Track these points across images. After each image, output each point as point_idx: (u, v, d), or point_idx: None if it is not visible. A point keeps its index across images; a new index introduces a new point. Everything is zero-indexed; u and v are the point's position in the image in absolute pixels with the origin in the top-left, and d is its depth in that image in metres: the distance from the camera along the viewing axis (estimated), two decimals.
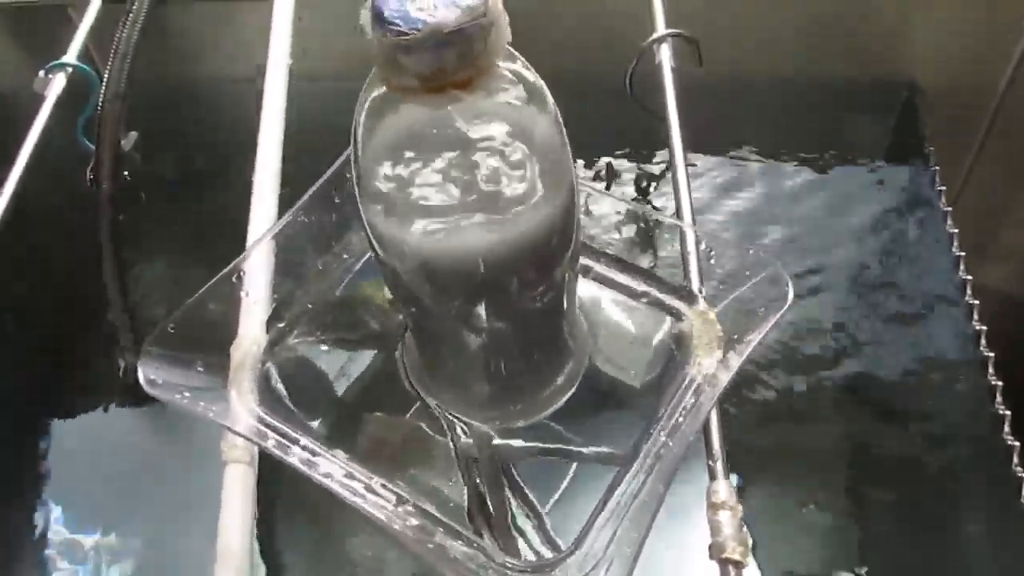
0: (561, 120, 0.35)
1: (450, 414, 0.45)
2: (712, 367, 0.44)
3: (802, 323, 0.64)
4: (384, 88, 0.33)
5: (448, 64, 0.30)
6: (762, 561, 0.53)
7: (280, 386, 0.45)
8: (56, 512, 0.55)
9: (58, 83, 0.66)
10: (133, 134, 0.71)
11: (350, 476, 0.41)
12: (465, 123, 0.32)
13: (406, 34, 0.29)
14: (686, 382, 0.44)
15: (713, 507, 0.43)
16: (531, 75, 0.34)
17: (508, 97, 0.33)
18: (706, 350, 0.45)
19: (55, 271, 0.70)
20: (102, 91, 0.68)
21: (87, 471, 0.57)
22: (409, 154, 0.33)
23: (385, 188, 0.34)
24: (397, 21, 0.30)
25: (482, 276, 0.35)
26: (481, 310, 0.38)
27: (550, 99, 0.34)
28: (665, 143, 0.60)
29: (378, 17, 0.30)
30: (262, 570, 0.50)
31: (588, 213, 0.52)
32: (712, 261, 0.48)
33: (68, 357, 0.63)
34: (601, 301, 0.49)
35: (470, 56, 0.31)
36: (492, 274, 0.35)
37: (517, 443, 0.46)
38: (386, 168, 0.34)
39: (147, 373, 0.43)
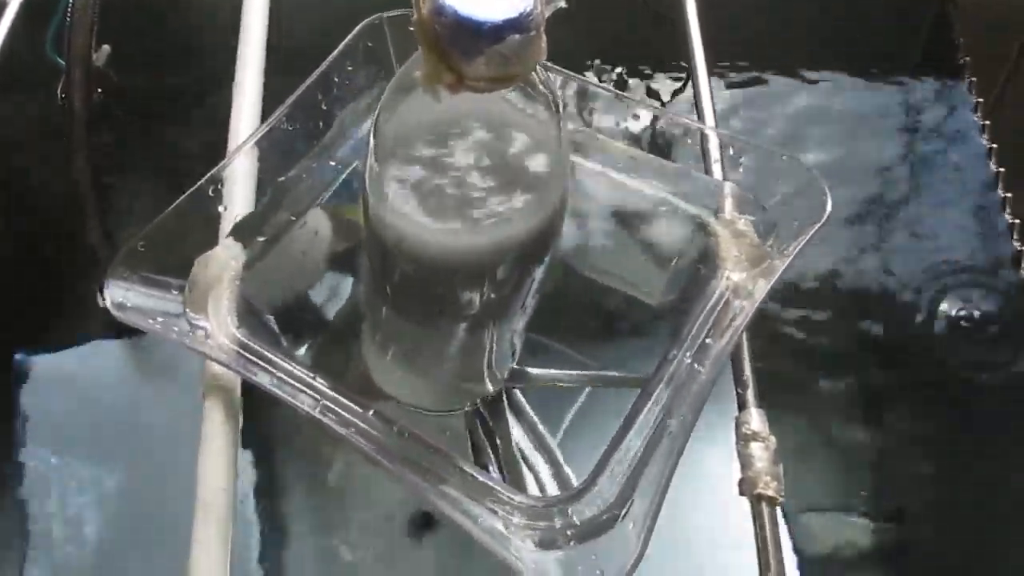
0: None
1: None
2: (744, 283, 0.40)
3: (829, 243, 0.60)
4: (417, 82, 0.31)
5: (513, 56, 0.29)
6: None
7: (261, 307, 0.41)
8: (31, 447, 0.51)
9: None
10: (106, 48, 0.66)
11: (339, 404, 0.37)
12: (496, 119, 0.33)
13: (481, 23, 0.28)
14: (713, 300, 0.40)
15: (744, 439, 0.39)
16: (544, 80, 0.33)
17: (531, 99, 0.33)
18: (736, 264, 0.40)
19: (26, 195, 0.66)
20: (71, 1, 0.63)
21: (64, 403, 0.54)
22: (430, 148, 0.33)
23: (402, 179, 0.33)
24: (473, 11, 0.28)
25: (478, 268, 0.35)
26: (463, 295, 0.37)
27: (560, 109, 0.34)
28: (682, 54, 0.56)
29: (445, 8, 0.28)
30: (249, 506, 0.46)
31: (598, 120, 0.47)
32: (740, 169, 0.43)
33: (42, 284, 0.59)
34: (614, 212, 0.45)
35: (531, 50, 0.29)
36: (488, 266, 0.35)
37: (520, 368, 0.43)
38: (404, 159, 0.33)
39: (114, 296, 0.39)
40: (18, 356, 0.56)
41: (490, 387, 0.43)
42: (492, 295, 0.37)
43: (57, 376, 0.55)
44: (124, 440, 0.50)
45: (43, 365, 0.56)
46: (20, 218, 0.64)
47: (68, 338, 0.56)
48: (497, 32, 0.28)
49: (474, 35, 0.28)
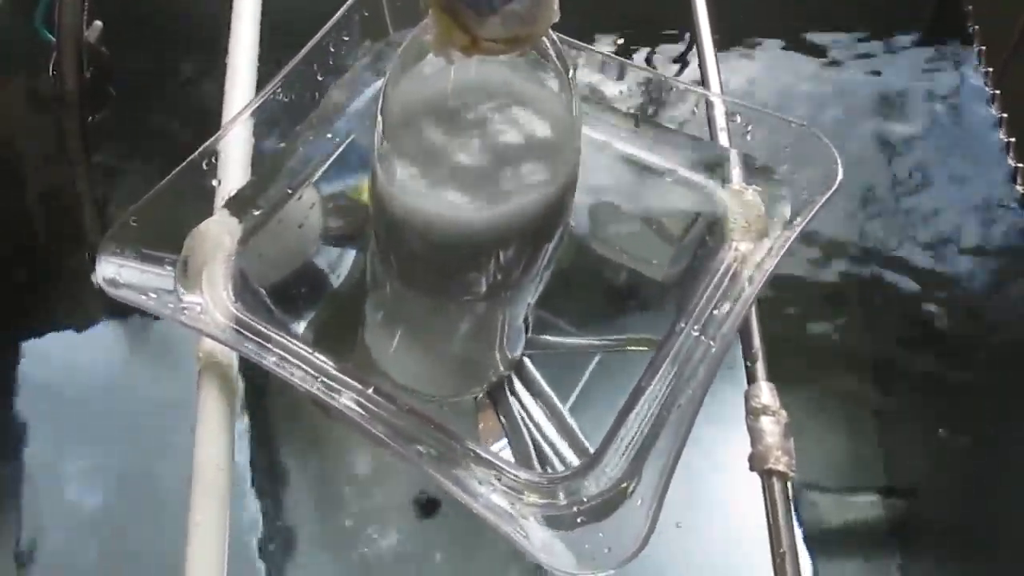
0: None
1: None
2: (752, 254, 0.39)
3: (838, 213, 0.59)
4: (423, 48, 0.31)
5: (528, 14, 0.28)
6: None
7: (258, 282, 0.40)
8: (27, 426, 0.51)
9: None
10: (97, 24, 0.65)
11: (339, 381, 0.36)
12: (506, 89, 0.32)
13: None
14: (721, 271, 0.39)
15: (754, 412, 0.38)
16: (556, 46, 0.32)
17: (542, 66, 0.32)
18: (744, 234, 0.39)
19: (18, 173, 0.65)
20: None
21: (62, 380, 0.53)
22: (440, 120, 0.32)
23: (411, 152, 0.33)
24: None
25: (487, 241, 0.34)
26: (474, 272, 0.36)
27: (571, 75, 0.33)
28: (686, 24, 0.54)
29: None
30: (246, 483, 0.46)
31: (602, 87, 0.46)
32: (748, 137, 0.42)
33: (34, 261, 0.59)
34: (619, 182, 0.43)
35: (540, 16, 0.29)
36: (497, 240, 0.34)
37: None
38: (413, 132, 0.32)
39: (106, 272, 0.38)
40: (10, 335, 0.55)
41: (502, 369, 0.42)
42: (503, 271, 0.36)
43: (51, 355, 0.54)
44: (120, 419, 0.50)
45: (36, 344, 0.55)
46: (11, 194, 0.63)
47: (61, 316, 0.55)
48: None
49: None
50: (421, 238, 0.34)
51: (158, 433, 0.47)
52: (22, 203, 0.63)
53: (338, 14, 0.45)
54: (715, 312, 0.38)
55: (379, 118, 0.33)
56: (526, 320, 0.42)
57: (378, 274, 0.40)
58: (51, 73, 0.64)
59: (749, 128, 0.42)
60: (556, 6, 0.29)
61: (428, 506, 0.45)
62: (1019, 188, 0.59)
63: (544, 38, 0.31)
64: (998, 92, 0.63)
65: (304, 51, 0.44)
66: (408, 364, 0.43)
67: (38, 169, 0.65)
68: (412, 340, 0.42)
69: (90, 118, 0.65)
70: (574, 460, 0.39)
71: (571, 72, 0.33)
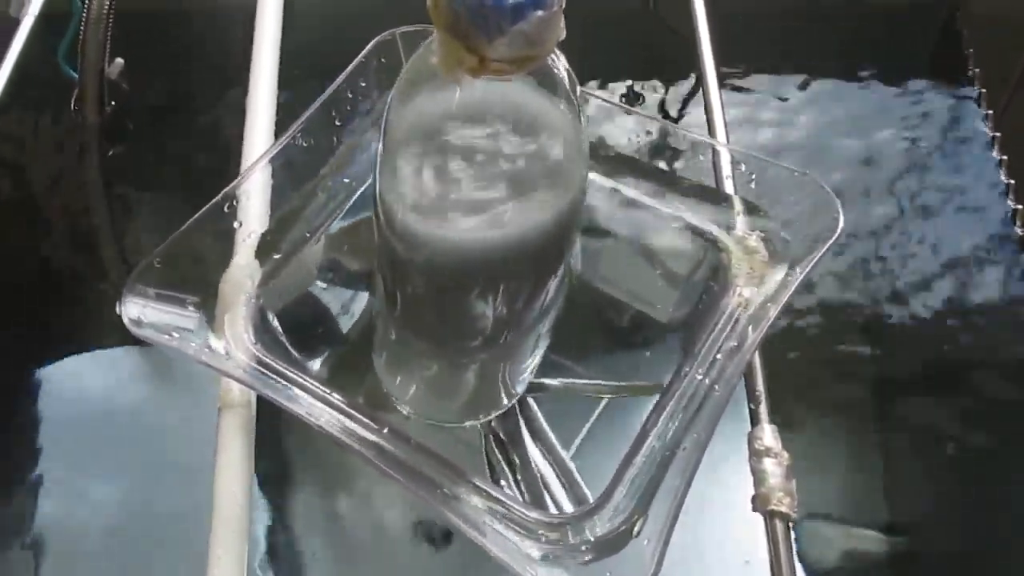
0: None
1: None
2: (755, 299, 0.40)
3: (840, 256, 0.59)
4: (425, 70, 0.31)
5: (536, 35, 0.28)
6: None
7: (277, 323, 0.41)
8: (43, 455, 0.51)
9: (35, 4, 0.62)
10: (119, 61, 0.67)
11: (353, 420, 0.37)
12: (512, 108, 0.31)
13: (504, 1, 0.27)
14: (725, 316, 0.40)
15: (757, 454, 0.39)
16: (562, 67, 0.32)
17: (547, 84, 0.31)
18: (748, 280, 0.41)
19: (40, 206, 0.66)
20: (84, 13, 0.63)
21: (77, 414, 0.54)
22: (444, 142, 0.32)
23: (416, 175, 0.32)
24: None
25: (493, 268, 0.34)
26: (481, 294, 0.36)
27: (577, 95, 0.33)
28: (691, 67, 0.56)
29: None
30: (263, 520, 0.47)
31: (607, 134, 0.47)
32: (752, 185, 0.43)
33: (54, 295, 0.60)
34: (626, 228, 0.45)
35: (548, 36, 0.29)
36: (501, 266, 0.34)
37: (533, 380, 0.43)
38: (417, 154, 0.32)
39: (131, 312, 0.39)
40: (30, 367, 0.56)
41: (504, 401, 0.43)
42: (505, 305, 0.36)
43: (70, 385, 0.55)
44: (139, 449, 0.50)
45: (57, 376, 0.56)
46: (32, 225, 0.65)
47: (81, 349, 0.56)
48: (520, 9, 0.27)
49: (497, 14, 0.27)
50: (426, 269, 0.34)
51: (177, 464, 0.48)
52: (44, 234, 0.64)
53: (356, 60, 0.47)
54: (719, 356, 0.39)
55: (381, 141, 0.33)
56: (536, 348, 0.43)
57: (383, 314, 0.41)
58: (73, 108, 0.66)
59: (753, 176, 0.44)
60: (562, 24, 0.29)
61: (441, 539, 0.46)
62: (1019, 230, 0.60)
63: (551, 57, 0.31)
64: (998, 134, 0.64)
65: (322, 98, 0.45)
66: (413, 394, 0.44)
67: (58, 201, 0.66)
68: (415, 375, 0.43)
69: (110, 151, 0.67)
70: (573, 505, 0.40)
71: (577, 87, 0.33)
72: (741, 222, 0.43)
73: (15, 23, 0.62)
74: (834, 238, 0.40)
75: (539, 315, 0.38)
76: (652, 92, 0.68)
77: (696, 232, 0.44)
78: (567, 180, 0.33)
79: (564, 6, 0.28)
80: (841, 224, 0.40)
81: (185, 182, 0.64)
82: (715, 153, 0.45)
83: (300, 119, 0.44)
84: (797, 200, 0.42)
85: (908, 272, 0.59)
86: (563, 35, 0.29)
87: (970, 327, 0.58)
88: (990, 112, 0.66)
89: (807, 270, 0.39)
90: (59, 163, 0.67)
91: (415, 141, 0.32)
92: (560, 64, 0.32)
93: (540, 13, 0.28)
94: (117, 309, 0.38)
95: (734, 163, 0.44)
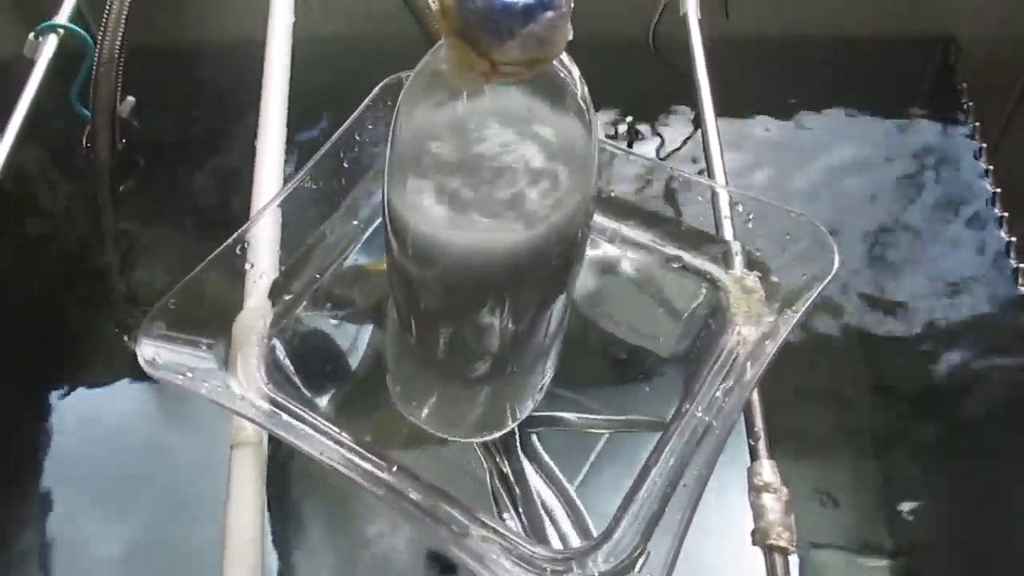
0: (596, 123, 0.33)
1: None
2: (754, 338, 0.41)
3: (838, 287, 0.61)
4: (433, 78, 0.31)
5: (546, 36, 0.28)
6: None
7: (287, 362, 0.42)
8: (57, 493, 0.52)
9: (49, 46, 0.63)
10: (130, 100, 0.68)
11: (362, 458, 0.38)
12: (519, 114, 0.31)
13: (515, 3, 0.27)
14: (724, 354, 0.41)
15: (756, 490, 0.40)
16: (574, 73, 0.32)
17: (555, 92, 0.31)
18: (745, 318, 0.42)
19: (52, 243, 0.67)
20: (96, 54, 0.64)
21: (89, 451, 0.55)
22: (452, 148, 0.32)
23: (425, 184, 0.32)
24: None
25: (505, 275, 0.34)
26: (492, 308, 0.36)
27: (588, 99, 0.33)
28: (690, 102, 0.57)
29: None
30: (273, 556, 0.47)
31: (610, 175, 0.48)
32: (750, 225, 0.45)
33: (67, 332, 0.61)
34: (628, 266, 0.46)
35: (557, 37, 0.29)
36: (513, 272, 0.34)
37: (537, 414, 0.44)
38: (426, 161, 0.32)
39: (146, 353, 0.40)
40: (43, 401, 0.57)
41: (510, 421, 0.44)
42: (513, 320, 0.36)
43: (80, 420, 0.56)
44: (153, 489, 0.51)
45: (69, 413, 0.57)
46: (45, 262, 0.66)
47: (95, 386, 0.57)
48: (530, 11, 0.27)
49: (508, 17, 0.27)
50: (439, 279, 0.34)
51: (189, 501, 0.49)
52: (56, 270, 0.65)
53: (363, 104, 0.48)
54: (719, 394, 0.40)
55: (388, 155, 0.33)
56: (544, 370, 0.43)
57: (398, 338, 0.41)
58: (85, 146, 0.67)
59: (751, 216, 0.45)
60: (569, 25, 0.29)
61: (447, 573, 0.47)
62: (1012, 262, 0.61)
63: (562, 62, 0.31)
64: (992, 168, 0.66)
65: (330, 142, 0.46)
66: (428, 414, 0.44)
67: (71, 237, 0.68)
68: (430, 395, 0.44)
69: (121, 188, 0.68)
70: (579, 537, 0.41)
71: (586, 93, 0.33)
72: (739, 262, 0.44)
73: (30, 64, 0.63)
74: (829, 277, 0.41)
75: (547, 333, 0.39)
76: (652, 127, 0.69)
77: (695, 272, 0.45)
78: (576, 186, 0.33)
79: (572, 6, 0.28)
80: (837, 263, 0.41)
81: (196, 218, 0.66)
82: (714, 194, 0.46)
83: (309, 163, 0.45)
84: (793, 239, 0.43)
85: (903, 298, 0.60)
86: (570, 35, 0.29)
87: (967, 354, 0.59)
88: (983, 146, 0.67)
89: (804, 308, 0.40)
90: (72, 199, 0.69)
91: (424, 150, 0.32)
92: (572, 70, 0.32)
93: (550, 14, 0.28)
94: (130, 347, 0.39)
95: (732, 204, 0.45)
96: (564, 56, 0.31)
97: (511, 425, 0.44)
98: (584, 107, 0.32)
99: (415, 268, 0.35)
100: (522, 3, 0.27)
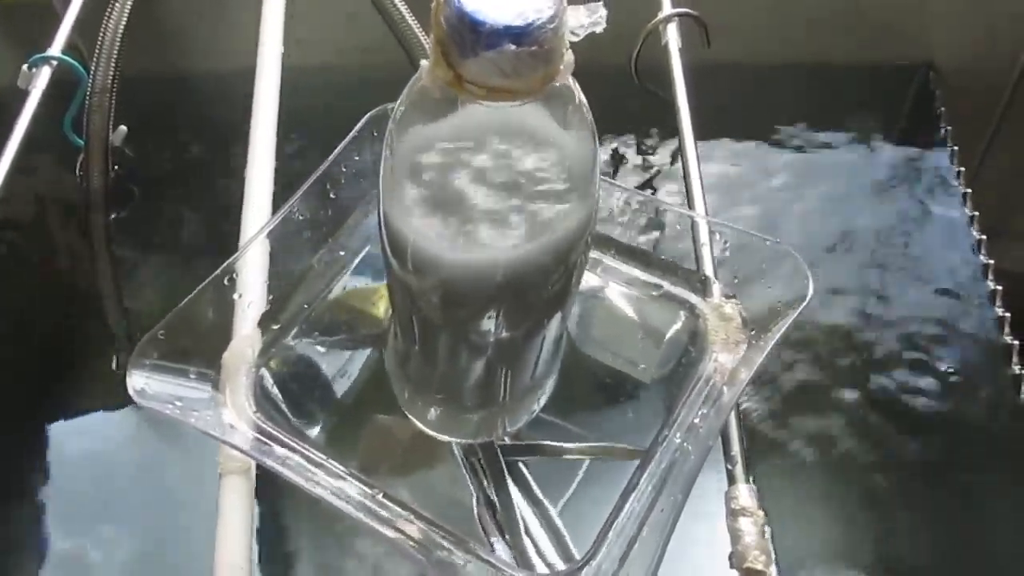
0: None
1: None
2: (730, 364, 0.42)
3: (818, 311, 0.62)
4: (427, 91, 0.31)
5: (509, 68, 0.28)
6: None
7: (276, 391, 0.43)
8: (46, 520, 0.53)
9: (43, 77, 0.64)
10: (123, 129, 0.69)
11: (351, 486, 0.39)
12: (517, 133, 0.31)
13: (480, 24, 0.27)
14: (701, 380, 0.42)
15: (733, 513, 0.41)
16: (579, 95, 0.32)
17: (558, 113, 0.31)
18: (723, 346, 0.43)
19: (45, 270, 0.68)
20: (89, 85, 0.66)
21: (79, 477, 0.55)
22: (448, 164, 0.32)
23: (419, 194, 0.33)
24: (478, 9, 0.27)
25: (503, 287, 0.34)
26: (491, 320, 0.37)
27: (591, 120, 0.33)
28: (672, 129, 0.58)
29: (464, 13, 0.28)
30: None
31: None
32: (727, 253, 0.46)
33: (59, 359, 0.62)
34: (610, 293, 0.47)
35: (547, 58, 0.28)
36: (512, 285, 0.34)
37: (520, 442, 0.45)
38: (421, 175, 0.32)
39: (136, 383, 0.41)
40: (33, 429, 0.58)
41: (508, 427, 0.44)
42: (507, 330, 0.37)
43: (73, 446, 0.56)
44: (141, 517, 0.52)
45: (59, 442, 0.57)
46: (37, 289, 0.67)
47: (84, 414, 0.58)
48: (494, 37, 0.27)
49: (470, 34, 0.27)
50: (439, 290, 0.35)
51: (178, 528, 0.50)
52: (49, 297, 0.66)
53: (350, 135, 0.49)
54: (696, 420, 0.41)
55: (382, 170, 0.34)
56: (539, 382, 0.44)
57: (399, 336, 0.42)
58: (78, 174, 0.68)
59: (727, 244, 0.46)
60: (560, 67, 0.28)
61: None
62: (989, 284, 0.62)
63: (566, 84, 0.31)
64: (969, 191, 0.67)
65: (317, 173, 0.47)
66: (433, 418, 0.45)
67: (64, 265, 0.68)
68: (433, 402, 0.44)
69: (113, 215, 0.69)
70: (562, 560, 0.42)
71: (591, 120, 0.33)
72: (717, 290, 0.45)
73: (24, 95, 0.64)
74: (804, 303, 0.42)
75: (539, 360, 0.39)
76: (634, 152, 0.70)
77: (674, 299, 0.46)
78: (574, 203, 0.33)
79: (556, 50, 0.28)
80: (811, 291, 0.42)
81: (187, 245, 0.67)
82: (694, 224, 0.47)
83: (296, 194, 0.46)
84: (770, 266, 0.44)
85: (881, 320, 0.61)
86: (560, 78, 0.29)
87: (945, 376, 0.60)
88: (961, 170, 0.68)
89: (778, 335, 0.41)
90: (64, 227, 0.69)
91: (419, 164, 0.32)
92: (576, 91, 0.32)
93: (512, 48, 0.27)
94: (119, 375, 0.39)
95: (711, 232, 0.46)
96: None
97: (510, 430, 0.44)
98: (588, 125, 0.32)
99: (414, 281, 0.35)
100: (489, 26, 0.27)
